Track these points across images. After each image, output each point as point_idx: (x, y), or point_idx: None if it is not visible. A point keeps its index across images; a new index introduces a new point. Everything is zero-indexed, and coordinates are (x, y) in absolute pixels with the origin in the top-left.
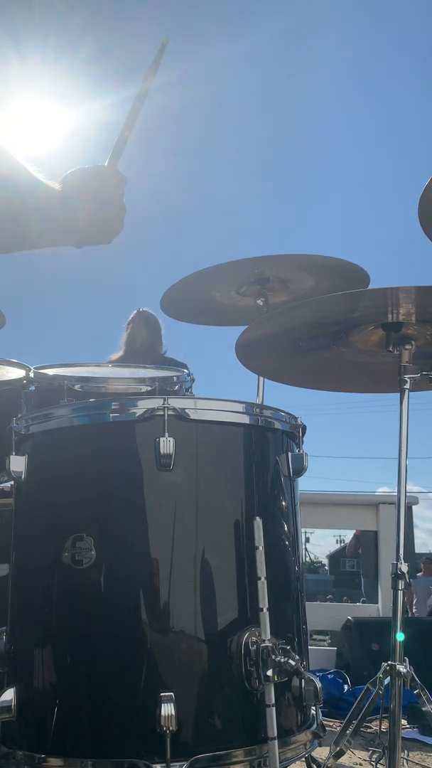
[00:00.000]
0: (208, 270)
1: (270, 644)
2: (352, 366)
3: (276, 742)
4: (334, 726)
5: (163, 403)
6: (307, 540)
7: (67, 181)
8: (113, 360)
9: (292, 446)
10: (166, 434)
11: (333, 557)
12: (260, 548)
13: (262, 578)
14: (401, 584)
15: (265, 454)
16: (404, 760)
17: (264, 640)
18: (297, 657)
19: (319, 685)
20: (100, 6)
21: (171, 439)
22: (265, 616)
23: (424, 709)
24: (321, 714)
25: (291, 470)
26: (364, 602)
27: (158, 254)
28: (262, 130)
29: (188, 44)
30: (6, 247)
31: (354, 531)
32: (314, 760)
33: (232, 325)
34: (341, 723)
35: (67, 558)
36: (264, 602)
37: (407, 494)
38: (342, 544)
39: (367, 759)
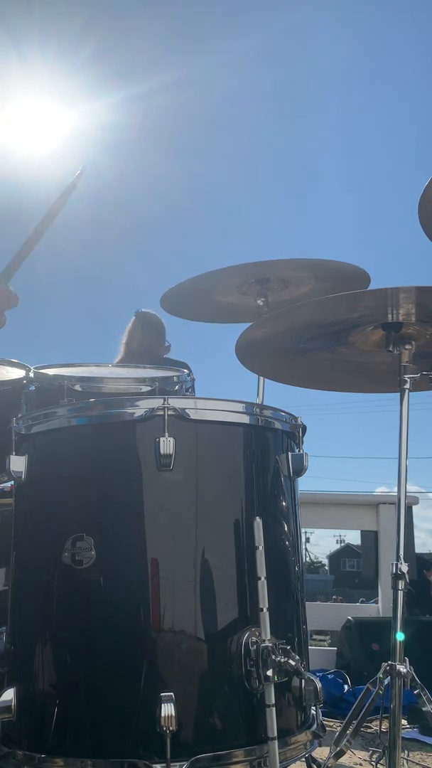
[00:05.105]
0: (207, 275)
1: (270, 644)
2: (352, 366)
3: (276, 742)
4: (334, 726)
5: (163, 403)
6: (307, 540)
7: None
8: (115, 363)
9: (292, 446)
10: (166, 434)
11: (333, 557)
12: (260, 548)
13: (262, 578)
14: (401, 584)
15: (265, 454)
16: (404, 760)
17: (264, 640)
18: (297, 657)
19: (319, 685)
20: (101, 5)
21: (171, 439)
22: (265, 616)
23: (424, 709)
24: (321, 714)
25: (291, 470)
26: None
27: (159, 253)
28: (263, 130)
29: (189, 44)
30: None
31: None
32: (314, 760)
33: (233, 322)
34: (341, 723)
35: (67, 558)
36: (264, 602)
37: (407, 494)
38: (342, 544)
39: (367, 759)
